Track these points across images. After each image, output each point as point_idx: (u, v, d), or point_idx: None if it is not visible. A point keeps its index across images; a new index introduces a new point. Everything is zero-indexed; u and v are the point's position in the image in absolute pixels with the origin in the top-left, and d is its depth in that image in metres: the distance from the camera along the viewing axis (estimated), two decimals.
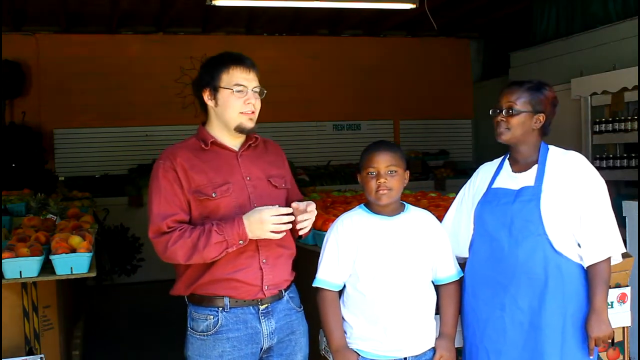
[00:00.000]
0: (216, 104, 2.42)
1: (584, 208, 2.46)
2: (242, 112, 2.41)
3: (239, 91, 2.40)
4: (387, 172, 2.46)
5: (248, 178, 2.44)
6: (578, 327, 2.46)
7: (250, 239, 2.32)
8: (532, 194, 2.50)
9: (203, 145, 2.43)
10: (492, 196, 2.61)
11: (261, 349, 2.43)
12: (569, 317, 2.46)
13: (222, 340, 2.36)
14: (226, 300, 2.37)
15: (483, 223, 2.61)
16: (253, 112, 2.44)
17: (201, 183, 2.36)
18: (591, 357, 2.47)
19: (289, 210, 2.32)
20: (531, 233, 2.46)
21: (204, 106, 2.49)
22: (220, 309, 2.37)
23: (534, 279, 2.46)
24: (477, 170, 2.79)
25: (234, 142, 2.49)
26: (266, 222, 2.27)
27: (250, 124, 2.44)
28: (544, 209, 2.46)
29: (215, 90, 2.41)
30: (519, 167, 2.61)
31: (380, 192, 2.45)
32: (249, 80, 2.43)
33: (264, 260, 2.41)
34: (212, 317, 2.37)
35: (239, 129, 2.44)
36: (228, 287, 2.37)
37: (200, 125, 2.52)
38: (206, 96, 2.43)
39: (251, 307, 2.40)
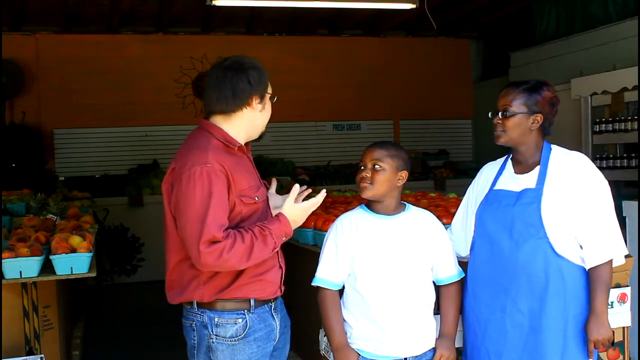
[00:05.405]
0: (262, 109, 2.43)
1: (586, 210, 2.44)
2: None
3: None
4: (372, 166, 2.47)
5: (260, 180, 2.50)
6: (579, 329, 2.45)
7: None
8: (534, 196, 2.48)
9: (234, 148, 2.36)
10: (493, 198, 2.60)
11: (274, 344, 2.46)
12: (570, 319, 2.45)
13: (250, 342, 2.35)
14: (252, 302, 2.36)
15: (484, 225, 2.59)
16: None
17: (244, 187, 2.33)
18: (590, 359, 2.47)
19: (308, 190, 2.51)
20: (532, 236, 2.45)
21: (223, 108, 2.38)
22: (247, 310, 2.36)
23: (534, 282, 2.45)
24: (480, 171, 2.77)
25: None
26: (308, 210, 2.41)
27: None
28: (545, 211, 2.45)
29: (262, 97, 2.41)
30: (521, 168, 2.59)
31: (361, 184, 2.48)
32: None
33: (280, 259, 2.46)
34: (240, 319, 2.34)
35: (261, 136, 2.50)
36: (257, 288, 2.37)
37: (215, 126, 2.38)
38: (256, 102, 2.39)
39: (266, 305, 2.42)
